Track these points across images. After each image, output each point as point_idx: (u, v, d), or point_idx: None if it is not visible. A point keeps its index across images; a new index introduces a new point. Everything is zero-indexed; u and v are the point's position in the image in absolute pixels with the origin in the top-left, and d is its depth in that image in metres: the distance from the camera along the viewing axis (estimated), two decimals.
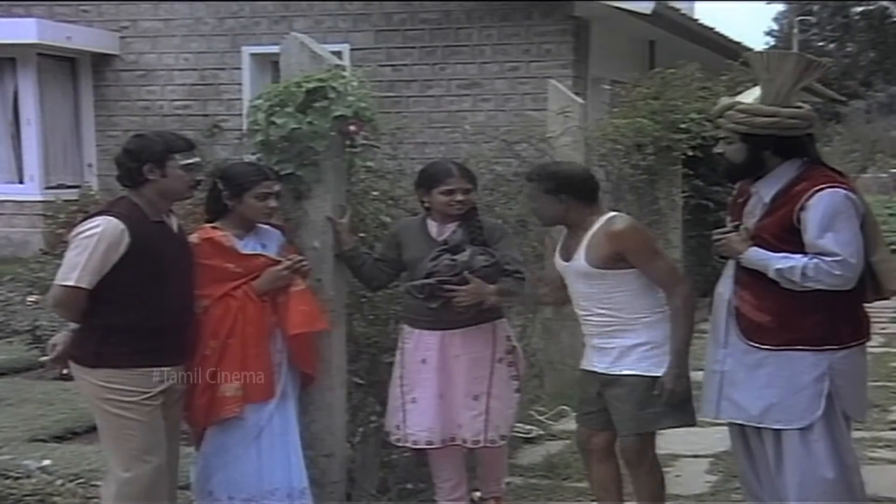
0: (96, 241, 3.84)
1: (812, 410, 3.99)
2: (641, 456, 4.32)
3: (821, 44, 45.93)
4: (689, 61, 10.11)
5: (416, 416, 4.53)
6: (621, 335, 4.21)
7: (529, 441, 6.08)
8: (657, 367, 4.17)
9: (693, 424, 4.33)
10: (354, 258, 4.59)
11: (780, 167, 4.04)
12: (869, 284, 4.04)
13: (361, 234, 4.82)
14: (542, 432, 6.22)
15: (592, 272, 4.20)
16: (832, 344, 3.99)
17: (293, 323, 4.22)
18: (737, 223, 4.16)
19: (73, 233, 3.91)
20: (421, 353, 4.54)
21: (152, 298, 3.93)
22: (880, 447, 5.97)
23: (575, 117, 7.00)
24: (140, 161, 3.97)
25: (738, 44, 16.17)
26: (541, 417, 6.41)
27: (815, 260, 3.89)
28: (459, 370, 4.52)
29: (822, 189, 3.91)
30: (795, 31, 42.29)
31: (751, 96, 4.12)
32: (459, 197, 4.51)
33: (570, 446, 5.91)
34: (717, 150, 4.23)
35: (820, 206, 3.90)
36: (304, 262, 4.31)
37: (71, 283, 3.85)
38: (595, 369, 4.31)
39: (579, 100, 7.31)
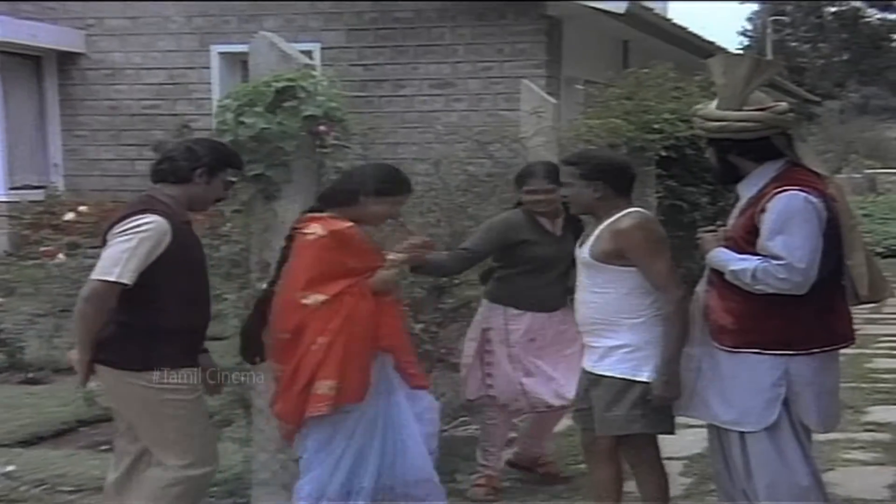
0: (140, 237, 3.83)
1: (768, 415, 4.01)
2: (635, 458, 4.34)
3: (794, 44, 46.31)
4: (662, 61, 10.15)
5: (538, 386, 5.14)
6: (606, 334, 4.23)
7: (510, 441, 6.08)
8: (633, 371, 4.17)
9: (669, 433, 4.35)
10: (426, 264, 4.82)
11: (760, 169, 4.08)
12: (849, 289, 4.05)
13: None
14: (516, 435, 6.21)
15: (593, 264, 4.23)
16: (789, 349, 4.00)
17: (384, 334, 4.15)
18: (720, 223, 4.21)
19: (117, 229, 3.87)
20: (532, 332, 5.14)
21: (190, 298, 3.99)
22: (854, 449, 6.00)
23: (548, 117, 7.02)
24: (196, 163, 4.05)
25: (711, 43, 16.28)
26: (515, 420, 6.40)
27: (764, 263, 3.92)
28: (562, 342, 5.11)
29: (781, 191, 3.94)
30: (769, 31, 42.58)
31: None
32: (540, 196, 5.12)
33: (555, 440, 5.92)
34: (707, 154, 4.29)
35: (775, 208, 3.93)
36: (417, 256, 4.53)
37: (112, 278, 3.80)
38: (584, 366, 4.35)
39: (552, 100, 7.33)
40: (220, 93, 12.80)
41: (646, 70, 9.91)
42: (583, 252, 4.29)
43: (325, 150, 4.63)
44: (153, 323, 3.91)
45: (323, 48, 13.22)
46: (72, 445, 6.16)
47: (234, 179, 4.18)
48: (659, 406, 4.17)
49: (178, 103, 14.06)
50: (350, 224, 4.16)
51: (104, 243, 3.91)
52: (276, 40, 4.56)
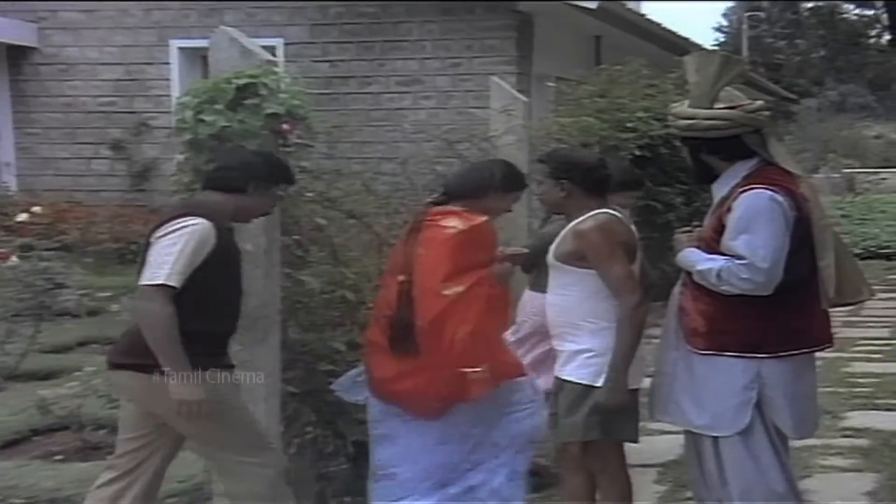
0: (186, 239, 3.90)
1: (740, 419, 4.04)
2: (598, 465, 4.33)
3: (771, 40, 46.64)
4: (636, 58, 10.21)
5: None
6: (569, 338, 4.24)
7: None
8: (593, 377, 4.17)
9: (632, 441, 4.35)
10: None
11: (733, 168, 4.11)
12: (822, 291, 4.07)
13: (295, 238, 4.81)
14: None
15: (556, 265, 4.26)
16: (760, 351, 4.03)
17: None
18: (696, 223, 4.24)
19: (161, 231, 3.95)
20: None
21: (226, 303, 4.12)
22: (832, 455, 6.05)
23: (518, 115, 7.04)
24: (252, 175, 4.13)
25: (686, 40, 16.38)
26: None
27: (728, 263, 3.96)
28: None
29: (746, 190, 3.98)
30: (745, 26, 42.87)
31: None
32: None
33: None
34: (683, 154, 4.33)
35: (740, 207, 3.97)
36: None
37: (160, 280, 3.87)
38: (554, 370, 4.37)
39: (522, 97, 7.34)
40: (180, 89, 12.74)
41: (619, 67, 9.97)
42: (550, 253, 4.31)
43: (288, 149, 4.62)
44: (204, 326, 3.97)
45: (286, 44, 13.19)
46: (24, 455, 6.11)
47: (282, 194, 4.29)
48: (618, 413, 4.15)
49: (136, 100, 13.99)
50: (486, 219, 4.34)
51: (147, 246, 3.99)
52: (237, 35, 4.54)
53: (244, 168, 4.15)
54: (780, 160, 4.10)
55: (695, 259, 4.08)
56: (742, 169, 4.10)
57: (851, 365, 8.62)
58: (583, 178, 4.25)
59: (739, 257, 3.94)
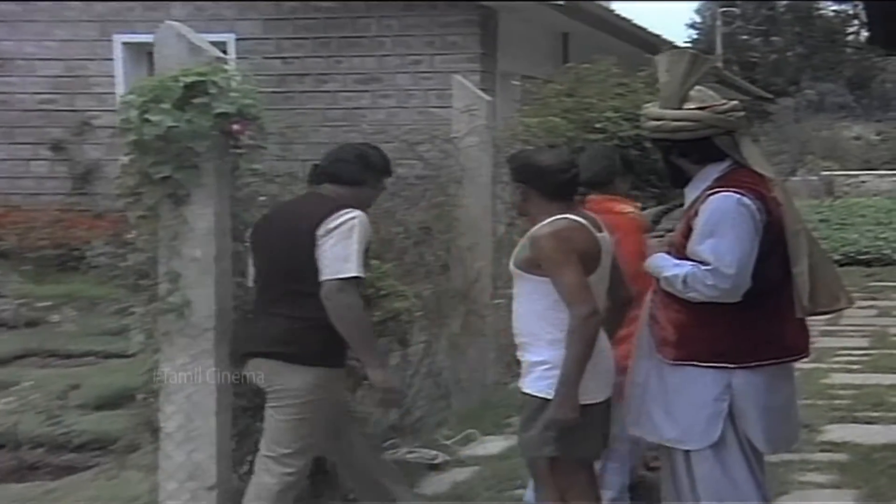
0: (357, 231, 4.36)
1: (711, 432, 4.07)
2: (564, 482, 4.30)
3: (745, 37, 46.97)
4: (605, 56, 10.25)
5: None
6: (529, 349, 4.26)
7: (435, 468, 6.11)
8: (550, 390, 4.16)
9: (591, 458, 4.35)
10: None
11: (704, 171, 4.15)
12: (796, 298, 4.09)
13: (246, 244, 4.80)
14: (448, 458, 6.25)
15: (515, 272, 4.28)
16: (730, 361, 4.06)
17: None
18: (665, 229, 4.26)
19: (328, 225, 4.35)
20: None
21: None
22: (810, 470, 6.08)
23: (482, 115, 7.07)
24: (371, 167, 4.63)
25: (657, 37, 16.48)
26: (447, 442, 6.44)
27: (694, 269, 4.00)
28: None
29: (714, 193, 4.02)
30: (719, 23, 43.16)
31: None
32: None
33: (479, 473, 5.96)
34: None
35: (706, 211, 4.00)
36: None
37: (350, 273, 4.31)
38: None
39: (486, 97, 7.38)
40: (125, 87, 12.68)
41: (587, 65, 10.01)
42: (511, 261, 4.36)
43: (239, 151, 4.62)
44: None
45: (237, 39, 13.17)
46: None
47: (385, 187, 4.79)
48: (574, 429, 4.13)
49: (78, 98, 13.90)
50: None
51: (312, 242, 4.34)
52: (184, 31, 4.54)
53: (362, 161, 4.63)
54: (753, 163, 4.13)
55: (662, 265, 4.11)
56: (713, 172, 4.13)
57: (830, 376, 8.68)
58: (541, 182, 4.26)
59: (705, 263, 3.97)
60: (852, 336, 10.57)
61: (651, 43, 15.08)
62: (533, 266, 4.19)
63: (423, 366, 6.59)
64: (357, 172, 4.59)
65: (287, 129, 5.67)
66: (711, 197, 4.01)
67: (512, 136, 8.27)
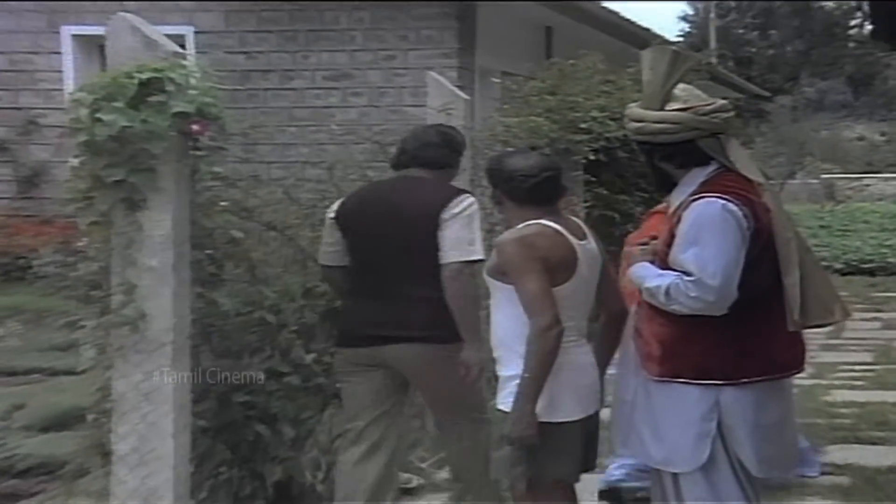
0: (477, 215, 4.90)
1: (699, 453, 4.08)
2: (543, 502, 4.31)
3: (741, 31, 47.19)
4: (591, 51, 10.30)
5: None
6: (503, 362, 4.28)
7: (409, 492, 6.10)
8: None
9: (565, 479, 4.35)
10: None
11: (689, 175, 4.17)
12: (787, 311, 4.09)
13: (208, 252, 4.80)
14: (423, 482, 6.25)
15: (487, 280, 4.30)
16: (717, 378, 4.08)
17: None
18: (653, 235, 4.28)
19: (453, 211, 4.86)
20: None
21: None
22: (811, 495, 6.10)
23: (459, 115, 7.07)
24: (456, 151, 5.22)
25: (647, 30, 16.54)
26: (422, 464, 6.44)
27: (677, 279, 4.01)
28: None
29: (698, 199, 4.04)
30: (712, 15, 43.33)
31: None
32: None
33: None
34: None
35: (689, 217, 4.02)
36: None
37: (478, 256, 4.79)
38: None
39: (464, 95, 7.38)
40: (74, 83, 12.64)
41: (572, 61, 10.05)
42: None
43: (199, 153, 4.61)
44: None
45: (196, 32, 13.14)
46: None
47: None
48: (546, 448, 4.15)
49: (23, 94, 13.84)
50: None
51: (436, 225, 4.84)
52: (139, 23, 4.52)
53: (448, 143, 5.17)
54: (741, 166, 4.14)
55: (644, 275, 4.13)
56: (699, 176, 4.15)
57: (831, 393, 8.72)
58: (509, 187, 4.29)
59: (688, 273, 3.99)
60: (855, 350, 10.61)
61: (640, 37, 15.13)
62: (500, 273, 4.22)
63: None
64: (444, 155, 5.13)
65: (250, 129, 5.68)
66: (694, 203, 4.02)
67: (491, 136, 8.30)
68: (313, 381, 5.35)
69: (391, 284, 4.95)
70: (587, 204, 10.09)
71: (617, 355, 4.42)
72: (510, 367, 4.20)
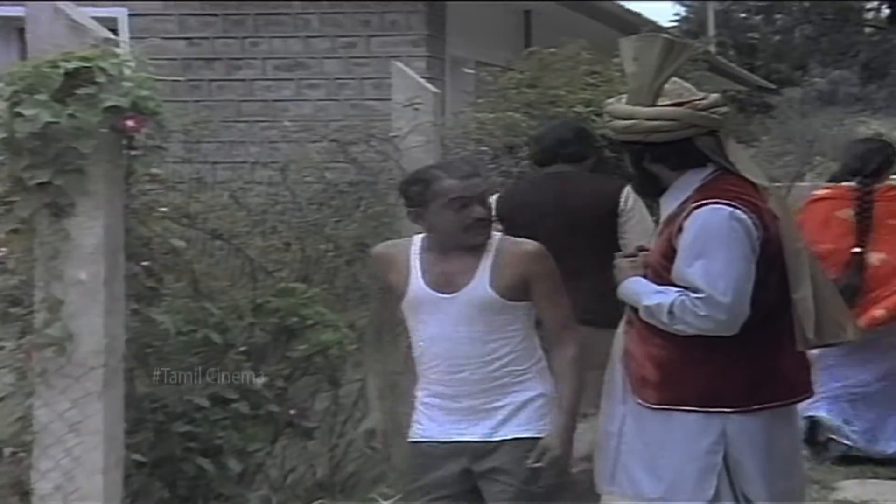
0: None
1: (703, 489, 4.10)
2: None
3: (743, 16, 47.37)
4: (574, 38, 10.32)
5: None
6: (516, 388, 4.29)
7: None
8: (547, 427, 4.27)
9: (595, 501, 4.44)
10: None
11: (684, 179, 4.19)
12: (797, 329, 4.13)
13: (144, 264, 4.79)
14: None
15: (495, 303, 4.26)
16: (724, 405, 4.10)
17: None
18: (640, 245, 4.28)
19: (627, 205, 5.77)
20: None
21: None
22: None
23: (427, 110, 7.09)
24: (593, 145, 6.19)
25: (637, 15, 16.60)
26: (385, 502, 6.43)
27: (682, 296, 4.02)
28: None
29: (700, 206, 4.05)
30: None
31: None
32: None
33: None
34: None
35: (693, 226, 4.04)
36: None
37: None
38: (464, 438, 4.34)
39: (433, 87, 7.40)
40: None
41: (553, 50, 10.06)
42: (470, 291, 4.35)
43: (134, 153, 4.60)
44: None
45: (131, 15, 13.09)
46: None
47: None
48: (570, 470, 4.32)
49: None
50: None
51: (614, 219, 5.73)
52: (64, 4, 4.51)
53: (585, 138, 6.16)
54: (742, 168, 4.16)
55: (641, 291, 4.13)
56: (695, 179, 4.17)
57: None
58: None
59: (695, 289, 3.99)
60: None
61: (630, 22, 15.18)
62: (518, 289, 4.30)
63: (358, 410, 6.58)
64: (584, 150, 6.06)
65: (193, 125, 5.68)
66: (697, 210, 4.04)
67: (464, 134, 8.31)
68: (264, 409, 5.34)
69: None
70: None
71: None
72: (526, 390, 4.29)
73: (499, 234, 4.38)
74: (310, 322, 5.75)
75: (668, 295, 4.05)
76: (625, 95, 4.28)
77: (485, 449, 4.33)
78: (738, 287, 3.98)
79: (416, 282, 4.34)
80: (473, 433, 4.34)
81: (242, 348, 5.36)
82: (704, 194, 4.08)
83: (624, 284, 4.20)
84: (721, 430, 4.09)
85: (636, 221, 5.74)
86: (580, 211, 5.76)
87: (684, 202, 4.12)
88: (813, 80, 42.10)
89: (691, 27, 40.34)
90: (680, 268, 4.04)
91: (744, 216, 4.02)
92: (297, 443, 5.81)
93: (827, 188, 7.58)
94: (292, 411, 5.58)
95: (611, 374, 4.34)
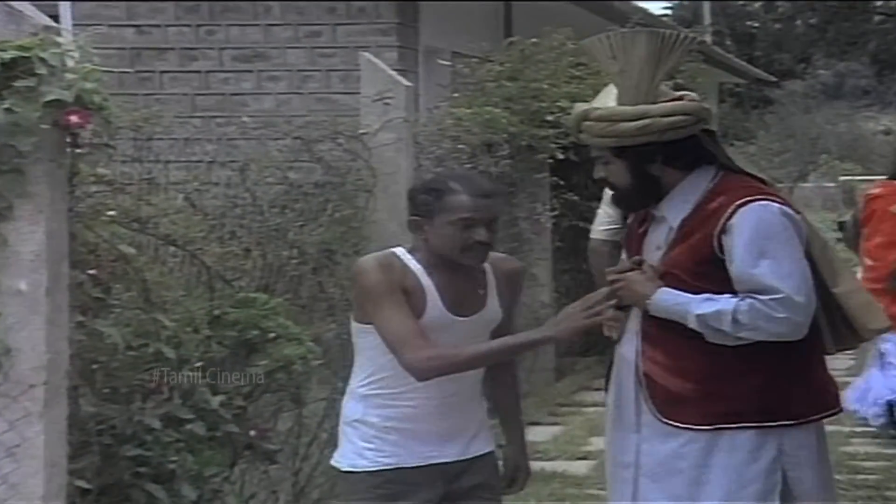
0: None
1: None
2: None
3: (742, 2, 47.56)
4: (558, 26, 10.35)
5: None
6: (479, 404, 4.46)
7: None
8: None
9: None
10: None
11: (687, 180, 4.21)
12: (827, 330, 4.20)
13: (91, 273, 4.78)
14: None
15: (497, 321, 4.40)
16: (782, 417, 4.12)
17: None
18: (638, 258, 4.28)
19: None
20: None
21: None
22: None
23: (399, 105, 7.10)
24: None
25: (626, 1, 16.63)
26: None
27: (748, 300, 4.02)
28: None
29: (746, 203, 4.08)
30: None
31: (609, 96, 4.26)
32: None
33: None
34: (596, 175, 4.37)
35: (746, 225, 4.06)
36: None
37: None
38: (439, 461, 4.38)
39: (405, 80, 7.41)
40: None
41: (535, 40, 10.09)
42: (488, 312, 4.45)
43: (78, 151, 4.59)
44: None
45: (74, 0, 13.07)
46: None
47: None
48: None
49: None
50: None
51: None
52: None
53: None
54: (741, 164, 4.25)
55: (684, 301, 4.10)
56: (702, 180, 4.21)
57: (852, 443, 8.84)
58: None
59: (765, 290, 4.01)
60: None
61: (617, 10, 15.22)
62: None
63: (324, 430, 6.58)
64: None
65: (143, 121, 5.66)
66: (744, 208, 4.07)
67: (439, 131, 8.32)
68: (221, 430, 5.33)
69: None
70: (554, 213, 10.11)
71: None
72: (483, 403, 4.53)
73: None
74: (271, 335, 5.75)
75: (722, 301, 4.05)
76: (606, 98, 4.26)
77: (459, 468, 4.41)
78: (807, 286, 4.04)
79: (436, 305, 4.35)
80: (447, 454, 4.40)
81: (198, 364, 5.35)
82: (734, 194, 4.11)
83: (655, 299, 4.13)
84: (778, 445, 4.11)
85: None
86: None
87: (701, 204, 4.15)
88: (817, 73, 42.28)
89: (685, 14, 40.46)
90: (743, 270, 4.04)
91: (791, 212, 4.11)
92: (257, 467, 5.80)
93: (881, 185, 9.04)
94: (252, 432, 5.57)
95: (618, 401, 4.31)
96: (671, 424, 4.16)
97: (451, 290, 4.36)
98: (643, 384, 4.22)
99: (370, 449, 4.42)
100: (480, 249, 4.27)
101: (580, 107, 4.32)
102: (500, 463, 4.56)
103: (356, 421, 4.43)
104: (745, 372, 4.10)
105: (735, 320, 4.02)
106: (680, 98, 4.19)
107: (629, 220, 4.53)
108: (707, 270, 4.10)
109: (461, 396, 4.38)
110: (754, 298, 4.01)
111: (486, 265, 4.38)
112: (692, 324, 4.09)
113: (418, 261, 4.36)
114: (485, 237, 4.25)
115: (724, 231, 4.07)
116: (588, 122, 4.23)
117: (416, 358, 4.16)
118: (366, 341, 4.38)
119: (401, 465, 4.40)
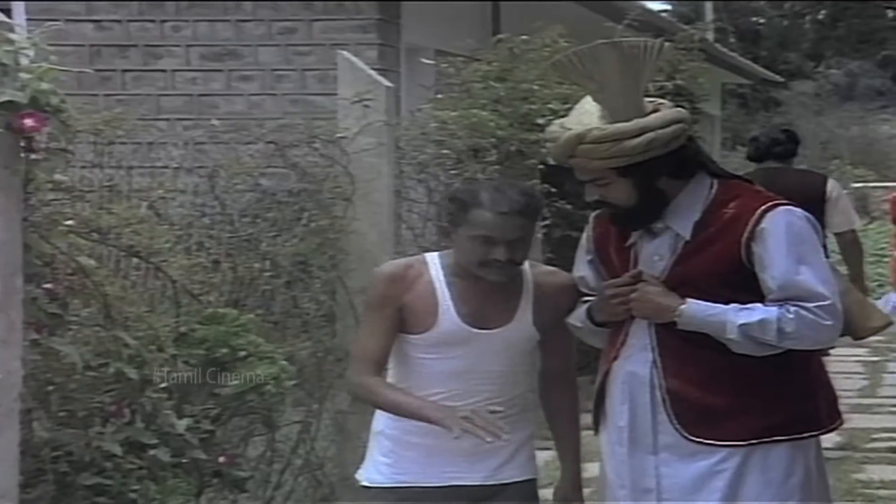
0: None
1: None
2: None
3: None
4: (549, 23, 10.36)
5: None
6: (517, 426, 4.44)
7: None
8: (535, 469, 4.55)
9: None
10: None
11: (687, 190, 4.26)
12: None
13: (47, 286, 4.79)
14: None
15: (532, 340, 4.46)
16: (813, 427, 4.22)
17: None
18: (637, 270, 4.29)
19: (835, 193, 8.38)
20: None
21: None
22: None
23: (380, 107, 7.10)
24: (798, 143, 8.91)
25: None
26: None
27: (794, 307, 4.07)
28: None
29: (770, 208, 4.14)
30: None
31: (583, 115, 4.29)
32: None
33: None
34: (590, 198, 4.40)
35: (778, 231, 4.11)
36: None
37: (858, 224, 7.48)
38: (461, 483, 4.41)
39: (385, 81, 7.41)
40: None
41: (525, 37, 10.11)
42: (514, 327, 4.48)
43: (34, 156, 4.59)
44: None
45: None
46: None
47: None
48: None
49: None
50: None
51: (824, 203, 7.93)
52: None
53: (793, 137, 9.03)
54: (727, 170, 4.38)
55: (719, 311, 4.13)
56: (701, 187, 4.26)
57: (865, 469, 8.85)
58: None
59: (808, 297, 4.07)
60: (893, 413, 10.70)
61: (612, 6, 15.24)
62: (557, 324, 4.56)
63: (298, 455, 6.59)
64: (793, 149, 8.99)
65: (103, 124, 5.66)
66: (770, 214, 4.13)
67: (422, 135, 8.33)
68: (187, 456, 5.33)
69: None
70: (545, 222, 10.11)
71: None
72: (526, 427, 4.52)
73: (528, 264, 4.48)
74: (242, 354, 5.75)
75: (760, 310, 4.09)
76: (580, 118, 4.29)
77: (487, 492, 4.43)
78: (836, 291, 4.14)
79: (449, 314, 4.39)
80: (472, 476, 4.42)
81: (162, 385, 5.35)
82: (749, 200, 4.19)
83: (685, 310, 4.15)
84: (805, 459, 4.19)
85: (842, 204, 9.04)
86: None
87: (711, 211, 4.20)
88: (827, 72, 42.37)
89: (686, 11, 40.53)
90: (787, 277, 4.08)
91: (811, 217, 4.20)
92: (225, 496, 5.80)
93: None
94: (221, 459, 5.58)
95: (632, 422, 4.31)
96: (702, 442, 4.18)
97: (473, 301, 4.41)
98: (666, 402, 4.23)
99: (387, 464, 4.47)
100: (497, 266, 4.30)
101: (554, 129, 4.35)
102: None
103: (378, 433, 4.50)
104: (776, 383, 4.16)
105: (781, 330, 4.07)
106: (657, 108, 4.23)
107: (591, 234, 4.60)
108: (731, 279, 4.15)
109: (506, 414, 4.37)
110: (799, 306, 4.06)
111: (528, 278, 4.43)
112: (731, 334, 4.12)
113: (443, 267, 4.43)
114: (503, 256, 4.28)
115: (752, 237, 4.12)
116: (585, 146, 4.20)
117: (350, 379, 4.53)
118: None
119: (419, 484, 4.44)
